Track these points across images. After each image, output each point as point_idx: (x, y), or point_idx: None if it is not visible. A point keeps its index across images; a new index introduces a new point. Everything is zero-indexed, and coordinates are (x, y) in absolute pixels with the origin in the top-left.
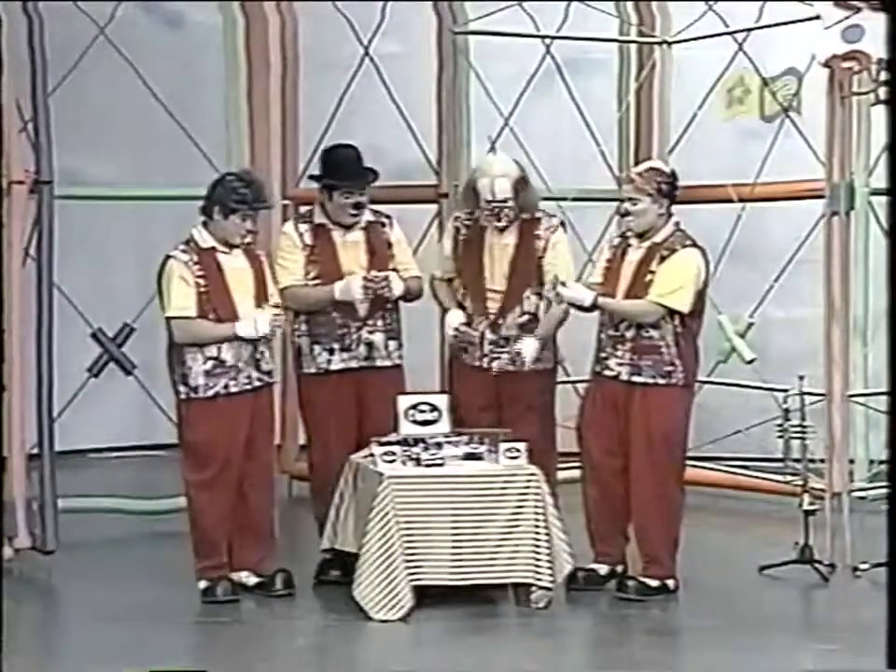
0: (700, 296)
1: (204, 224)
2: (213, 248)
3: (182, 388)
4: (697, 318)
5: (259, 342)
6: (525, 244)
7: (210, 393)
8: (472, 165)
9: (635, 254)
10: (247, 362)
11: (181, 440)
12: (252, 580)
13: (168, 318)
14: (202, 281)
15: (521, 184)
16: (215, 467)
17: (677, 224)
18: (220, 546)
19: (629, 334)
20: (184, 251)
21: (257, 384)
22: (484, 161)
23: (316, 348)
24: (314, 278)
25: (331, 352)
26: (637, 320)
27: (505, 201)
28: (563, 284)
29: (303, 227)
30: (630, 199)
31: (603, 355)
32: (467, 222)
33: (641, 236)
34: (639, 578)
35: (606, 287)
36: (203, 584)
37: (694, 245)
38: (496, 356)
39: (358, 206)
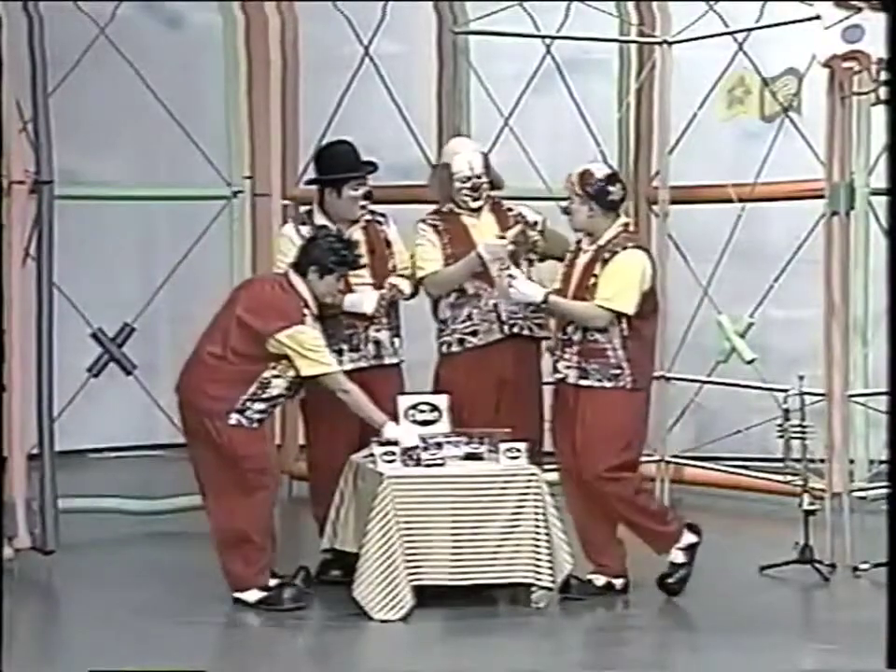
0: (647, 297)
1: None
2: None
3: (235, 416)
4: (649, 320)
5: None
6: (504, 218)
7: (256, 425)
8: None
9: (583, 257)
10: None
11: (224, 455)
12: (272, 581)
13: (327, 374)
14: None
15: (487, 161)
16: (271, 475)
17: (625, 225)
18: (269, 548)
19: (576, 337)
20: (312, 317)
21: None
22: (452, 143)
23: None
24: None
25: (340, 353)
26: (585, 323)
27: (481, 176)
28: (513, 277)
29: (304, 229)
30: (567, 198)
31: (554, 358)
32: (439, 219)
33: (591, 238)
34: (668, 559)
35: (562, 291)
36: (255, 595)
37: (638, 246)
38: (514, 321)
39: (368, 196)
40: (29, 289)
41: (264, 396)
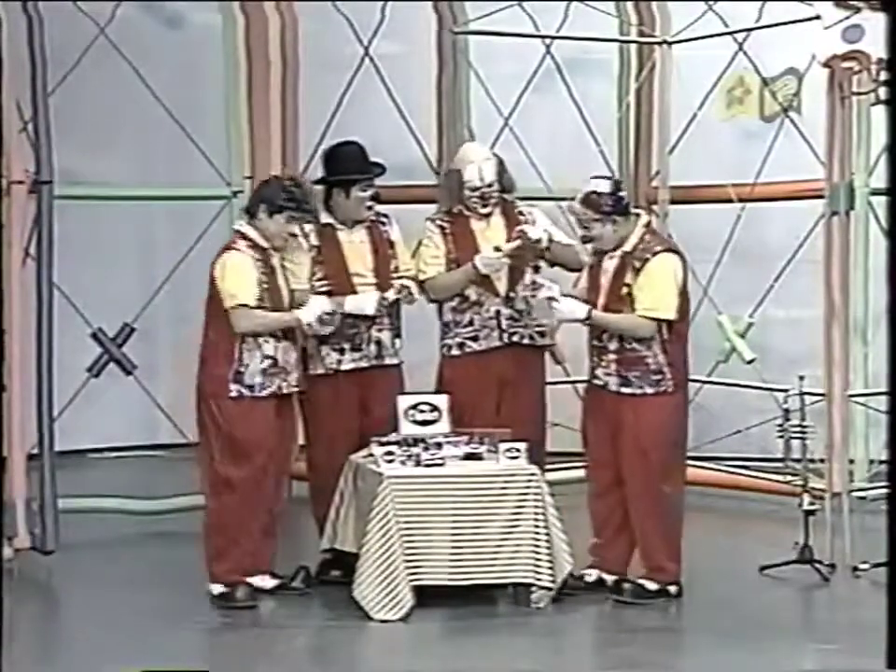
0: (681, 297)
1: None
2: (266, 248)
3: (234, 386)
4: (685, 320)
5: (298, 347)
6: (515, 222)
7: (265, 392)
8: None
9: (609, 263)
10: (294, 364)
11: (220, 436)
12: (269, 583)
13: (235, 307)
14: (263, 277)
15: (501, 167)
16: (257, 464)
17: (647, 225)
18: (243, 547)
19: (612, 346)
20: (249, 246)
21: (297, 388)
22: (465, 150)
23: (324, 348)
24: (319, 279)
25: (341, 352)
26: (631, 335)
27: (491, 185)
28: (554, 300)
29: (308, 227)
30: (583, 225)
31: (592, 364)
32: (448, 220)
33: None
34: (637, 581)
35: (590, 296)
36: (217, 588)
37: (667, 249)
38: (514, 330)
39: (375, 198)
40: (29, 289)
41: (251, 354)
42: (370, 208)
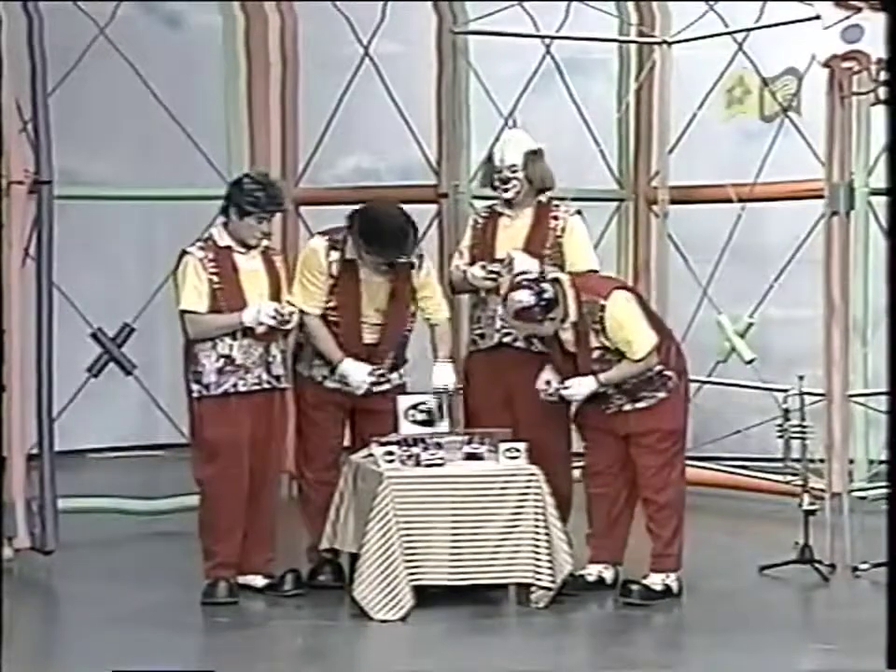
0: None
1: (224, 224)
2: (229, 247)
3: (195, 386)
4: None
5: (271, 344)
6: (541, 225)
7: (219, 391)
8: (472, 165)
9: (566, 335)
10: (257, 363)
11: (193, 438)
12: (260, 581)
13: (180, 313)
14: (215, 278)
15: (531, 156)
16: (223, 462)
17: (572, 285)
18: (230, 544)
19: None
20: (201, 248)
21: (266, 385)
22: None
23: (317, 360)
24: (332, 308)
25: (332, 371)
26: (639, 376)
27: (513, 168)
28: (563, 387)
29: (334, 255)
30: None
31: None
32: (484, 213)
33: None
34: (643, 582)
35: (566, 369)
36: (205, 584)
37: (607, 293)
38: (508, 331)
39: (391, 266)
40: (29, 289)
41: (207, 354)
42: (384, 272)
